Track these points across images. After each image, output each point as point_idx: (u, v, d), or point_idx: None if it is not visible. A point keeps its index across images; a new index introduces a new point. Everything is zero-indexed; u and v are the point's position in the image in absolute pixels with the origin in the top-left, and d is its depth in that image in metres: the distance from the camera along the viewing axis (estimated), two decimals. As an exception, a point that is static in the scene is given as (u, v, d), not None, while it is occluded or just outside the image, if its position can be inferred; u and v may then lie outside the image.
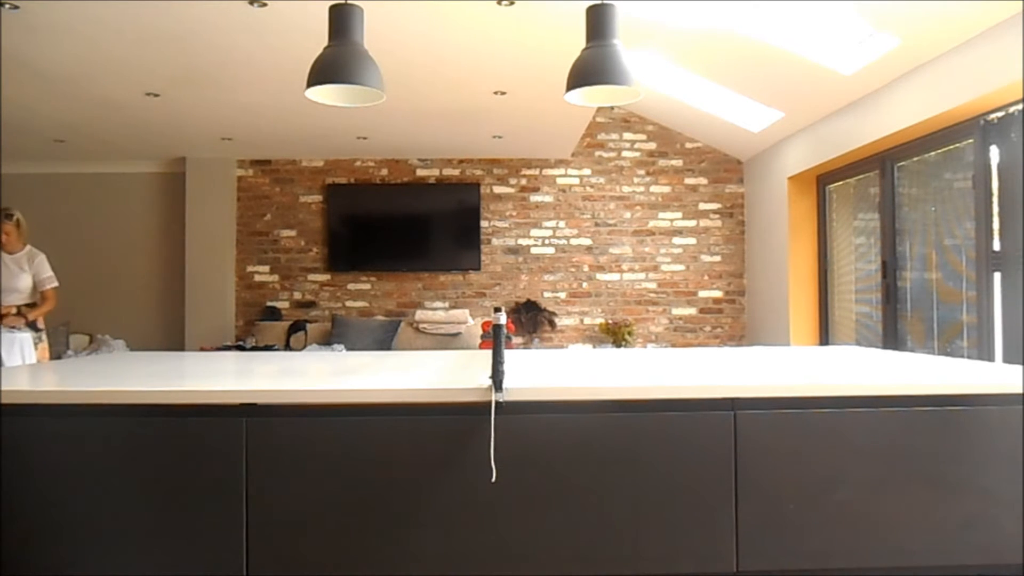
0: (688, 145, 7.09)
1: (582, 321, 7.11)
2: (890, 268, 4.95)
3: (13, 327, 4.14)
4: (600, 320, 7.05)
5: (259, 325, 6.83)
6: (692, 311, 7.09)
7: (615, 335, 6.81)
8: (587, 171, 7.11)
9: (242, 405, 1.90)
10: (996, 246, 3.89)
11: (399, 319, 6.83)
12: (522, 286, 7.10)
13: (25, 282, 4.28)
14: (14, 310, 4.21)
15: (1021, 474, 1.93)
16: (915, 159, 4.70)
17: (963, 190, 4.18)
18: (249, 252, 7.11)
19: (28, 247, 4.40)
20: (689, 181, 7.10)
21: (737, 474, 1.91)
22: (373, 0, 2.77)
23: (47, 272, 4.35)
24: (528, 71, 4.57)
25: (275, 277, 7.12)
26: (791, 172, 5.98)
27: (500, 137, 6.34)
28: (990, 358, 3.90)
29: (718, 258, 7.09)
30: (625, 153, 7.10)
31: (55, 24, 3.76)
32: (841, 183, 5.75)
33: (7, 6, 3.48)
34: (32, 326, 4.28)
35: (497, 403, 1.85)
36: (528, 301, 7.02)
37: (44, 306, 4.35)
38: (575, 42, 2.62)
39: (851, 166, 5.44)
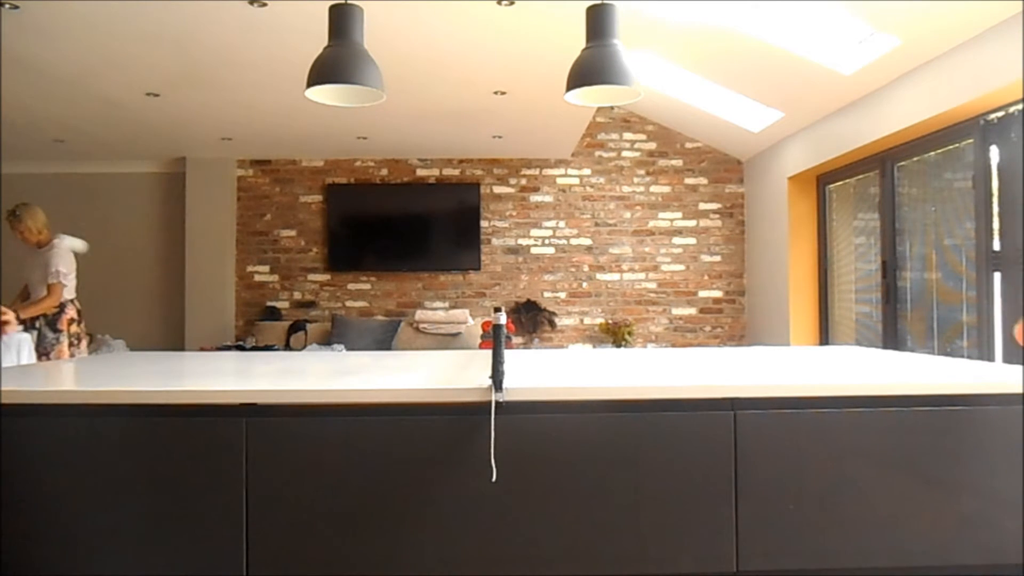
0: (688, 145, 7.09)
1: (582, 321, 7.11)
2: (890, 268, 4.95)
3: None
4: (600, 320, 7.05)
5: (259, 325, 6.84)
6: (692, 311, 7.09)
7: (615, 335, 6.81)
8: (587, 171, 7.10)
9: (242, 405, 1.90)
10: (996, 246, 3.89)
11: (399, 319, 6.83)
12: (522, 286, 7.10)
13: (40, 277, 4.19)
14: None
15: (1021, 474, 1.93)
16: (915, 159, 4.70)
17: (963, 190, 4.18)
18: (249, 252, 7.11)
19: (54, 239, 4.29)
20: (689, 181, 7.10)
21: (737, 474, 1.91)
22: (373, 0, 2.77)
23: (53, 267, 4.19)
24: (528, 71, 4.57)
25: (275, 277, 7.12)
26: (791, 172, 5.98)
27: (500, 137, 6.33)
28: (990, 358, 3.90)
29: (718, 258, 7.09)
30: (625, 153, 7.10)
31: (55, 24, 3.76)
32: (841, 183, 5.75)
33: (7, 6, 3.48)
34: (36, 324, 4.21)
35: (497, 403, 1.85)
36: (528, 301, 7.02)
37: (39, 302, 4.13)
38: (575, 42, 2.62)
39: (851, 166, 5.44)
